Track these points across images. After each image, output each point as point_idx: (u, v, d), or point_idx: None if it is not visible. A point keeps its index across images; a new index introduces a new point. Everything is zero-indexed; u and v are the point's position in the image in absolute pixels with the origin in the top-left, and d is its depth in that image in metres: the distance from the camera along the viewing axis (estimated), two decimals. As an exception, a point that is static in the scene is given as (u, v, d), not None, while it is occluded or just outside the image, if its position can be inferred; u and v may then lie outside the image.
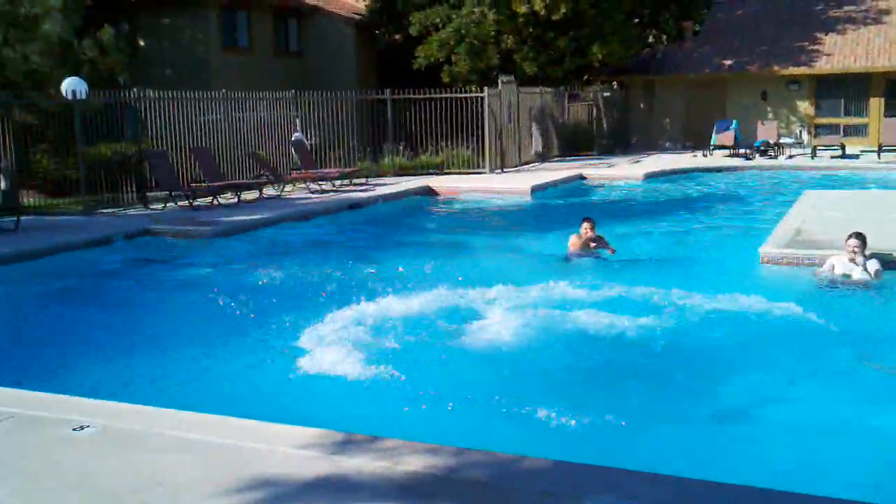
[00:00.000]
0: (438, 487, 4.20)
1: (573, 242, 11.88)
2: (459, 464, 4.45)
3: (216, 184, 17.13)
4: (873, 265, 9.45)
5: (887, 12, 30.98)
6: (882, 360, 7.24)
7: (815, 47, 30.08)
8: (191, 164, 18.40)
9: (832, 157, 24.88)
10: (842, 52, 29.47)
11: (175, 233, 13.87)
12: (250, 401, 6.57)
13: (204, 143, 19.09)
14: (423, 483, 4.25)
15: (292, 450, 4.65)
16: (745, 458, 5.54)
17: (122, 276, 11.32)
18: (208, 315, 9.26)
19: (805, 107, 29.96)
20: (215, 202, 16.55)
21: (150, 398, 6.21)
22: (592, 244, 11.72)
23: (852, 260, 9.48)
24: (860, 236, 9.50)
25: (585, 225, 11.76)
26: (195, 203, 16.55)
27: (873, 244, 10.09)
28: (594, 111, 29.69)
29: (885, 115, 27.92)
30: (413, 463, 4.46)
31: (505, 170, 23.68)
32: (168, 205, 16.63)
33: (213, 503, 4.08)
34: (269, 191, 18.60)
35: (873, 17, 30.93)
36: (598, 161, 26.28)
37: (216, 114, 19.62)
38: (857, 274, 9.41)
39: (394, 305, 9.65)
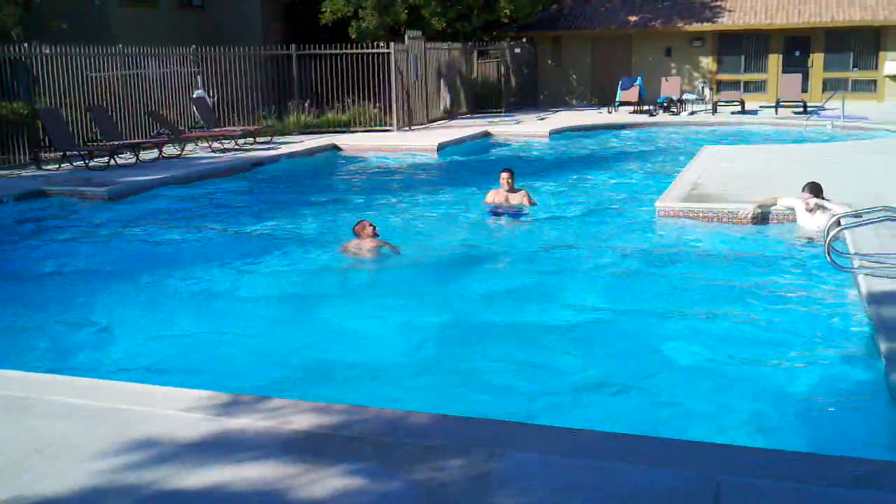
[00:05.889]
0: (324, 444, 4.21)
1: (491, 197, 11.87)
2: (346, 421, 4.48)
3: (113, 143, 16.63)
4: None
5: (785, -30, 31.72)
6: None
7: (718, 4, 30.66)
8: (87, 123, 17.81)
9: (732, 113, 25.53)
10: (742, 9, 30.11)
11: (69, 193, 13.44)
12: (143, 364, 6.48)
13: (101, 101, 18.47)
14: (310, 440, 4.27)
15: (178, 412, 4.61)
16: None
17: (11, 239, 10.94)
18: (100, 279, 9.07)
19: (707, 63, 30.59)
20: (113, 162, 16.08)
21: (43, 365, 6.10)
22: (512, 197, 11.69)
23: (809, 210, 9.47)
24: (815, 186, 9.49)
25: (504, 175, 11.74)
26: (91, 163, 16.07)
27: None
28: (502, 68, 29.73)
29: (783, 71, 28.73)
30: (300, 422, 4.47)
31: (413, 127, 23.60)
32: (63, 165, 16.11)
33: (97, 465, 4.03)
34: (169, 150, 18.13)
35: (772, -25, 31.64)
36: (506, 118, 26.39)
37: (113, 70, 18.99)
38: (810, 222, 9.40)
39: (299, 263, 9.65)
